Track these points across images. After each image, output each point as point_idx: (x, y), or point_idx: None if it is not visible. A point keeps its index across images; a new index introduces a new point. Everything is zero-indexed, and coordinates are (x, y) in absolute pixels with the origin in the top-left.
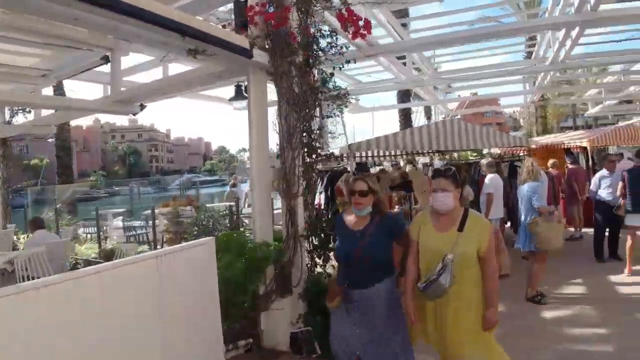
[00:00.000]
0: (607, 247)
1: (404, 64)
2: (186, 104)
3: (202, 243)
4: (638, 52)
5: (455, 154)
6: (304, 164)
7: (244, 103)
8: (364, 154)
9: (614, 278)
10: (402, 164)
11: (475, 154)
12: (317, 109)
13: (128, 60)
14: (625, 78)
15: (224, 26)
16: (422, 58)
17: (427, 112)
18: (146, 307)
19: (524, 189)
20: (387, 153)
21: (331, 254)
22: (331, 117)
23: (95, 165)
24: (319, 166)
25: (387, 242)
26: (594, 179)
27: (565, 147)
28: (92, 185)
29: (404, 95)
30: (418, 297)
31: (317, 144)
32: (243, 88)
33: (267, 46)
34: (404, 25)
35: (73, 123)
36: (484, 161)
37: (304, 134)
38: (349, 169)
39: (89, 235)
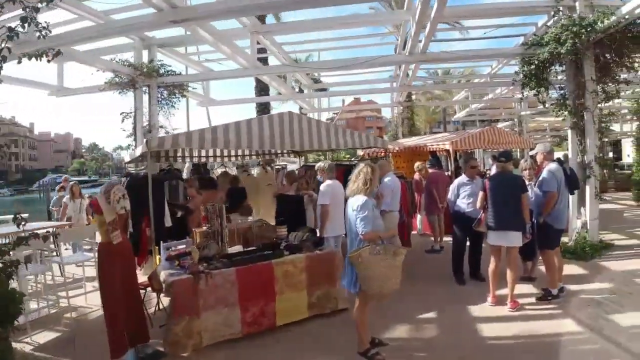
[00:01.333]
0: (467, 264)
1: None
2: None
3: None
4: (501, 51)
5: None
6: None
7: None
8: (206, 153)
9: (475, 310)
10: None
11: (348, 156)
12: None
13: None
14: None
15: None
16: (274, 43)
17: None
18: None
19: (350, 205)
20: (239, 153)
21: None
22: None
23: None
24: (131, 169)
25: None
26: (452, 186)
27: (430, 149)
28: None
29: (262, 90)
30: None
31: None
32: None
33: None
34: None
35: None
36: (320, 164)
37: None
38: (184, 172)
39: None
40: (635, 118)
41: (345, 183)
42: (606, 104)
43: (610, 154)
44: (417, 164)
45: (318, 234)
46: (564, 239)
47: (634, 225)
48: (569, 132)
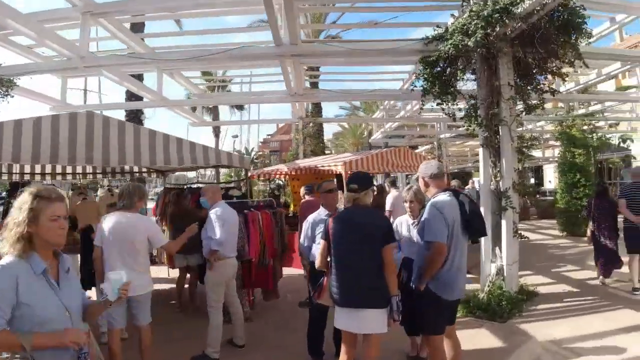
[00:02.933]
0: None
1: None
2: None
3: None
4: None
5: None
6: None
7: None
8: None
9: None
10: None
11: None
12: None
13: None
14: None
15: None
16: (129, 34)
17: (215, 130)
18: None
19: None
20: (77, 170)
21: None
22: None
23: None
24: None
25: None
26: (305, 225)
27: (335, 172)
28: None
29: (133, 95)
30: None
31: None
32: None
33: None
34: None
35: None
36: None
37: None
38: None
39: None
40: (557, 143)
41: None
42: (527, 127)
43: (532, 180)
44: (302, 189)
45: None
46: (474, 286)
47: (560, 261)
48: (480, 151)
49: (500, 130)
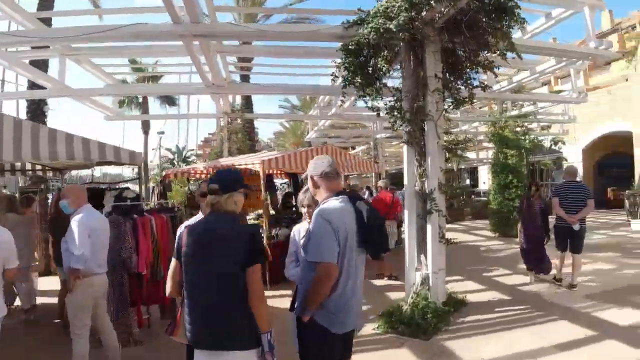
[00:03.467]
0: None
1: None
2: None
3: None
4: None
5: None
6: None
7: None
8: None
9: None
10: None
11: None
12: None
13: None
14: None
15: None
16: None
17: (144, 127)
18: None
19: None
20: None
21: None
22: None
23: None
24: None
25: None
26: (178, 232)
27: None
28: None
29: (36, 84)
30: None
31: None
32: None
33: None
34: None
35: None
36: None
37: None
38: None
39: None
40: (491, 145)
41: None
42: (462, 128)
43: (468, 181)
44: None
45: None
46: (400, 294)
47: (491, 264)
48: (404, 148)
49: (425, 126)
